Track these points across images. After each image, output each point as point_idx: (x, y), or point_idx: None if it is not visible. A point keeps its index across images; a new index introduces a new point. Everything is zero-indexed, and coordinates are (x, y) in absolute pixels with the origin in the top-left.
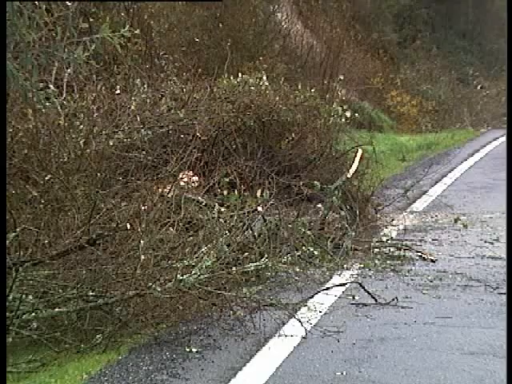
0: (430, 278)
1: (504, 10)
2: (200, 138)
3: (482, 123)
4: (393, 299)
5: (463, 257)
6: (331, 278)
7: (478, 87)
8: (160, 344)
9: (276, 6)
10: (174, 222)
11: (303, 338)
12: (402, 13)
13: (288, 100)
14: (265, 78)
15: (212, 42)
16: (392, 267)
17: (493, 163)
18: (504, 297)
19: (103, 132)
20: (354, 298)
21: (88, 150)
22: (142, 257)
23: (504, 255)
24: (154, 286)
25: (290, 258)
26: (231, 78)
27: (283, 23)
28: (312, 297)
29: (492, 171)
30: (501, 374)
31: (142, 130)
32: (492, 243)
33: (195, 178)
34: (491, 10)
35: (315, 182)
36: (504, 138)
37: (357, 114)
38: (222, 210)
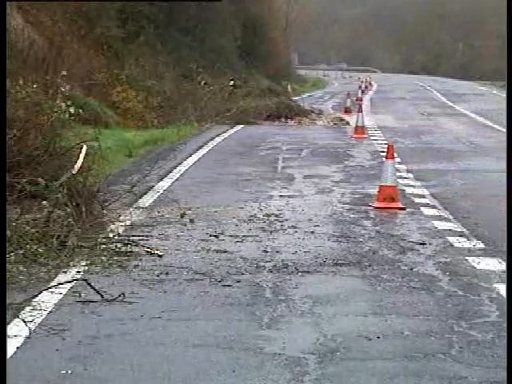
0: (156, 272)
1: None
2: None
3: (206, 119)
4: (119, 295)
5: (189, 251)
6: (57, 275)
7: (202, 83)
8: None
9: None
10: None
11: (27, 337)
12: (125, 8)
13: (9, 96)
14: None
15: None
16: (119, 263)
17: (216, 158)
18: (228, 289)
19: None
20: (80, 295)
21: None
22: None
23: (229, 248)
24: None
25: (13, 257)
26: None
27: None
28: (37, 295)
29: (216, 166)
30: (224, 365)
31: None
32: (217, 237)
33: None
34: (213, 9)
35: (39, 179)
36: (227, 134)
37: (81, 110)
38: None
